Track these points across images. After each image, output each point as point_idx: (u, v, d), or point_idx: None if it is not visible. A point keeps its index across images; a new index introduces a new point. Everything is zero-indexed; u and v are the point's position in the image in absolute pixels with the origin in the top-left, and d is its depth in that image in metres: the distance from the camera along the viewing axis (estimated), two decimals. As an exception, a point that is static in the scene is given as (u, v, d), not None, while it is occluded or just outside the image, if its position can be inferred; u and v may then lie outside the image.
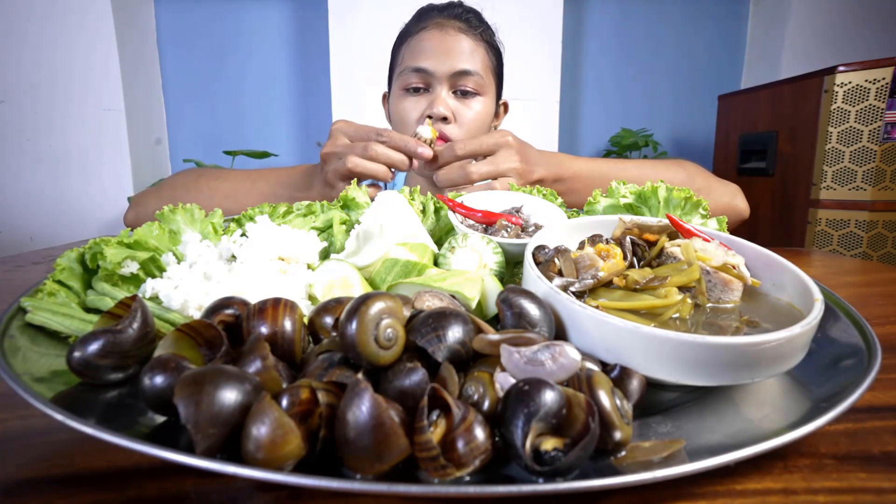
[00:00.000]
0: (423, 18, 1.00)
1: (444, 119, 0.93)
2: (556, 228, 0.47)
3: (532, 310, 0.34)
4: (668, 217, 0.46)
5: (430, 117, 0.93)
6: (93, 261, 0.43)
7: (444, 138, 0.93)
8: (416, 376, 0.27)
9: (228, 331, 0.33)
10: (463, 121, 0.95)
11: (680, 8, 2.63)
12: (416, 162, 0.76)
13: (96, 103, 2.19)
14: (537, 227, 0.53)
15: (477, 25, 0.98)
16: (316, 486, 0.23)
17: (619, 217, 0.47)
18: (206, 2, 2.44)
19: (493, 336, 0.30)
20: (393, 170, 0.77)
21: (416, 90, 0.96)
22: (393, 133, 0.75)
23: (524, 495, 0.24)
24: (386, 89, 1.10)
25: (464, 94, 0.95)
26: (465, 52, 0.95)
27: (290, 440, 0.23)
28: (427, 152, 0.75)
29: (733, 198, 0.92)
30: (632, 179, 0.61)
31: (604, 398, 0.27)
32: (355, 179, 0.63)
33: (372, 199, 0.64)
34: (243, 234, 0.49)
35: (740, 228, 0.91)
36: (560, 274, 0.40)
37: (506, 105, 1.12)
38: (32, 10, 2.10)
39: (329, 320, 0.35)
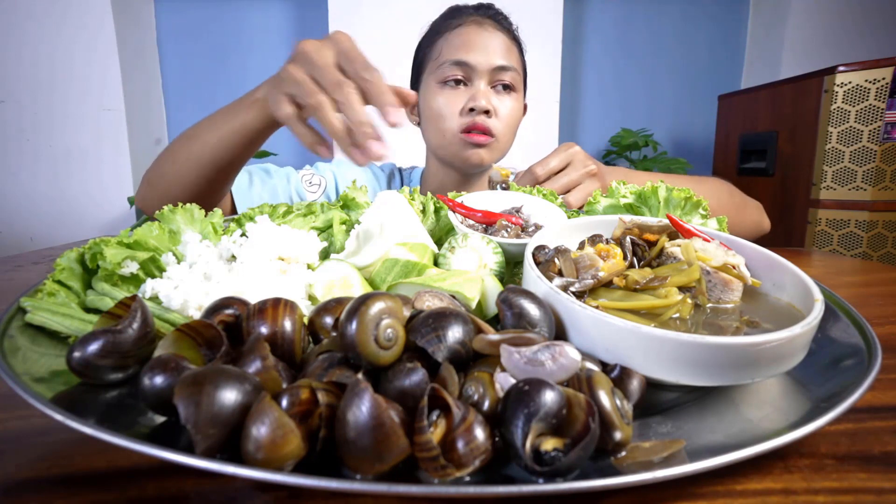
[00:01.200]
0: (456, 16, 1.01)
1: (487, 112, 0.94)
2: (556, 228, 0.47)
3: (532, 310, 0.34)
4: (668, 217, 0.46)
5: (472, 110, 0.94)
6: (93, 261, 0.43)
7: (487, 132, 0.95)
8: (416, 376, 0.27)
9: (228, 331, 0.33)
10: (502, 115, 0.97)
11: (680, 8, 2.63)
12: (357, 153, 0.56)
13: (96, 103, 2.19)
14: (537, 227, 0.53)
15: (508, 26, 1.02)
16: (316, 486, 0.23)
17: (619, 217, 0.47)
18: (206, 2, 2.44)
19: (493, 336, 0.30)
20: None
21: (456, 83, 0.97)
22: (380, 82, 0.56)
23: (524, 495, 0.24)
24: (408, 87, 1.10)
25: (503, 89, 0.98)
26: (503, 49, 0.97)
27: (290, 440, 0.23)
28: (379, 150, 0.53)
29: (761, 215, 0.95)
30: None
31: (604, 398, 0.27)
32: (354, 181, 0.63)
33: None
34: (243, 234, 0.49)
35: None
36: (560, 274, 0.40)
37: (525, 106, 1.13)
38: (32, 10, 2.10)
39: (329, 320, 0.35)
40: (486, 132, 0.95)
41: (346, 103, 0.54)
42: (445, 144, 0.98)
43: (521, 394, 0.26)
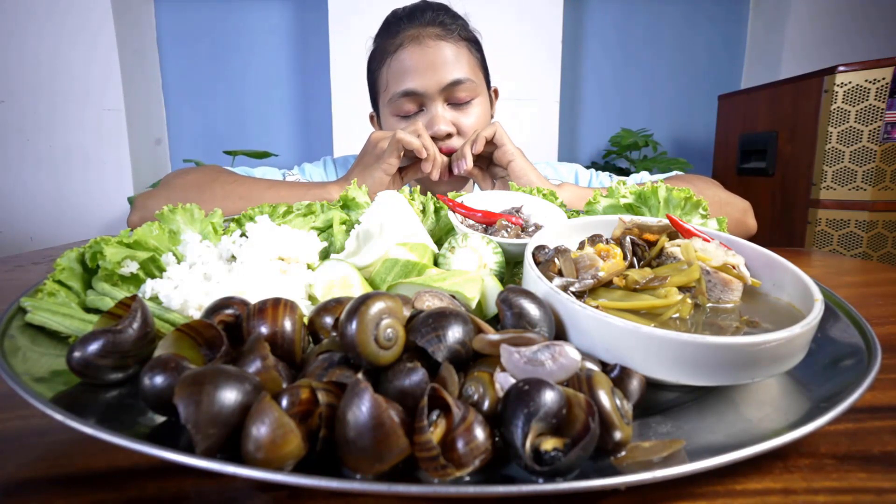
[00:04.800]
0: (393, 33, 0.93)
1: (448, 135, 0.90)
2: (556, 228, 0.47)
3: (532, 310, 0.34)
4: (668, 217, 0.46)
5: (434, 139, 0.90)
6: (93, 261, 0.43)
7: (449, 154, 0.90)
8: (416, 376, 0.27)
9: (228, 331, 0.33)
10: (465, 130, 0.92)
11: (680, 8, 2.63)
12: (435, 170, 0.85)
13: (96, 103, 2.19)
14: (537, 227, 0.53)
15: (452, 26, 0.93)
16: (316, 486, 0.23)
17: (619, 217, 0.47)
18: (206, 2, 2.44)
19: (493, 336, 0.30)
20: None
21: (410, 113, 0.92)
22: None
23: (524, 495, 0.24)
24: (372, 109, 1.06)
25: (461, 103, 0.93)
26: (449, 62, 0.90)
27: (290, 440, 0.23)
28: (436, 175, 0.85)
29: (744, 215, 0.90)
30: None
31: (604, 398, 0.27)
32: (355, 181, 0.63)
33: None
34: (243, 234, 0.49)
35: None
36: (560, 274, 0.40)
37: (496, 91, 1.08)
38: (32, 10, 2.10)
39: (329, 320, 0.35)
40: (450, 153, 0.90)
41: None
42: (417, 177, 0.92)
43: (521, 394, 0.26)
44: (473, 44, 0.97)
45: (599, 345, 0.33)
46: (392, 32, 0.94)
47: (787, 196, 1.98)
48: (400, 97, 0.91)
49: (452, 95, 0.91)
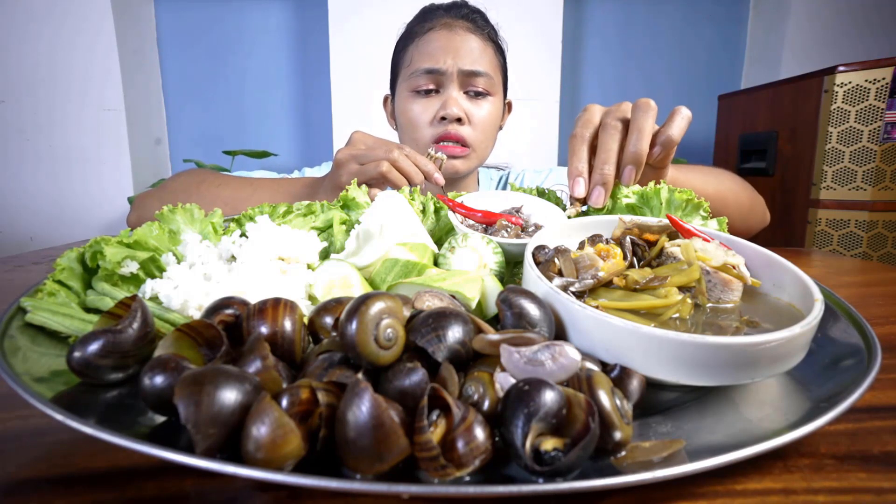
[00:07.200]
0: (428, 18, 0.99)
1: (459, 120, 0.92)
2: (556, 228, 0.47)
3: (532, 310, 0.34)
4: (668, 217, 0.46)
5: (443, 118, 0.92)
6: (93, 260, 0.43)
7: (461, 141, 0.92)
8: (416, 376, 0.27)
9: (228, 331, 0.33)
10: (475, 122, 0.95)
11: (680, 8, 2.63)
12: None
13: (96, 103, 2.19)
14: (537, 227, 0.53)
15: (483, 25, 0.98)
16: (316, 486, 0.23)
17: (619, 217, 0.47)
18: (206, 2, 2.44)
19: (493, 336, 0.30)
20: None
21: (427, 92, 0.95)
22: (413, 151, 0.76)
23: (524, 495, 0.24)
24: (387, 91, 1.09)
25: (475, 95, 0.95)
26: (474, 52, 0.94)
27: (290, 440, 0.23)
28: (441, 179, 0.76)
29: (764, 207, 0.95)
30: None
31: (604, 398, 0.27)
32: (355, 180, 0.63)
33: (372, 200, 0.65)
34: (243, 234, 0.49)
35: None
36: (560, 274, 0.40)
37: (510, 104, 1.12)
38: (32, 10, 2.10)
39: (329, 320, 0.35)
40: (459, 142, 0.92)
41: (410, 154, 0.73)
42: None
43: (521, 394, 0.26)
44: (499, 50, 1.01)
45: (599, 345, 0.33)
46: (426, 18, 0.99)
47: (787, 196, 1.98)
48: (421, 73, 0.94)
49: (469, 85, 0.94)
